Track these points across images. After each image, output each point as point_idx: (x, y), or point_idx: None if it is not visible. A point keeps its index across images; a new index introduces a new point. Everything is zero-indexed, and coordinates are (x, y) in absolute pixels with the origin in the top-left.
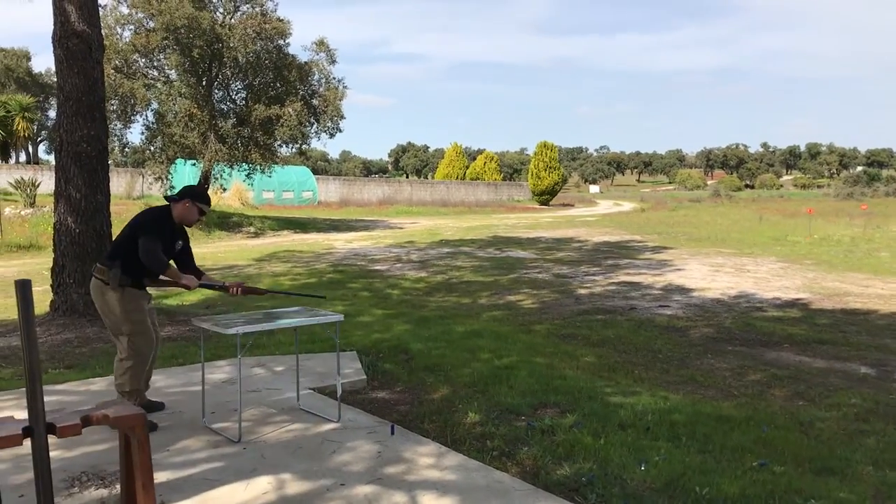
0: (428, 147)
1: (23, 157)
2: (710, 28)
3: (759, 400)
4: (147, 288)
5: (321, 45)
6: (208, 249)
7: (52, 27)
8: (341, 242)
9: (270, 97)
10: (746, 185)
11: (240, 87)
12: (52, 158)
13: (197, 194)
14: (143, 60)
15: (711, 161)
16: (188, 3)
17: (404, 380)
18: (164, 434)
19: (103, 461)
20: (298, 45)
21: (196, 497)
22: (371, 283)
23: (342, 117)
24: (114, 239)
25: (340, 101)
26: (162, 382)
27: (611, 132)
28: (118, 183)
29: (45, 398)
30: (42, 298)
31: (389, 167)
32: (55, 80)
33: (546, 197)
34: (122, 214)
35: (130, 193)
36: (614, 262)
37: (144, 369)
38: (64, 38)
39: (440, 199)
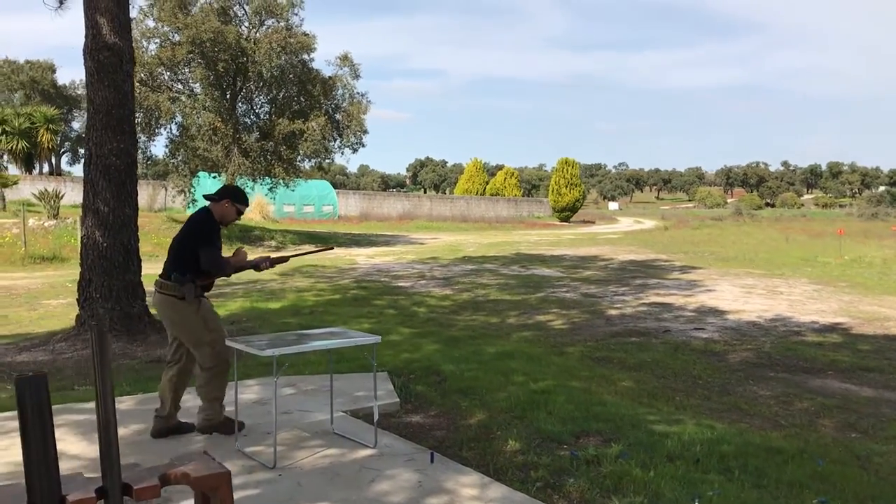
0: (446, 162)
1: (46, 168)
2: (729, 45)
3: (808, 430)
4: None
5: (345, 59)
6: None
7: (81, 40)
8: (363, 258)
9: (294, 111)
10: (767, 204)
11: (263, 101)
12: (74, 170)
13: (237, 195)
14: (168, 74)
15: (731, 179)
16: (214, 17)
17: (438, 403)
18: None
19: None
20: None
21: None
22: (396, 300)
23: (365, 132)
24: (172, 252)
25: (364, 115)
26: (190, 403)
27: (629, 149)
28: (140, 195)
29: (74, 416)
30: (65, 312)
31: (407, 181)
32: (81, 92)
33: (567, 214)
34: (144, 227)
35: (152, 206)
36: (642, 282)
37: (227, 375)
38: (95, 50)
39: (460, 214)
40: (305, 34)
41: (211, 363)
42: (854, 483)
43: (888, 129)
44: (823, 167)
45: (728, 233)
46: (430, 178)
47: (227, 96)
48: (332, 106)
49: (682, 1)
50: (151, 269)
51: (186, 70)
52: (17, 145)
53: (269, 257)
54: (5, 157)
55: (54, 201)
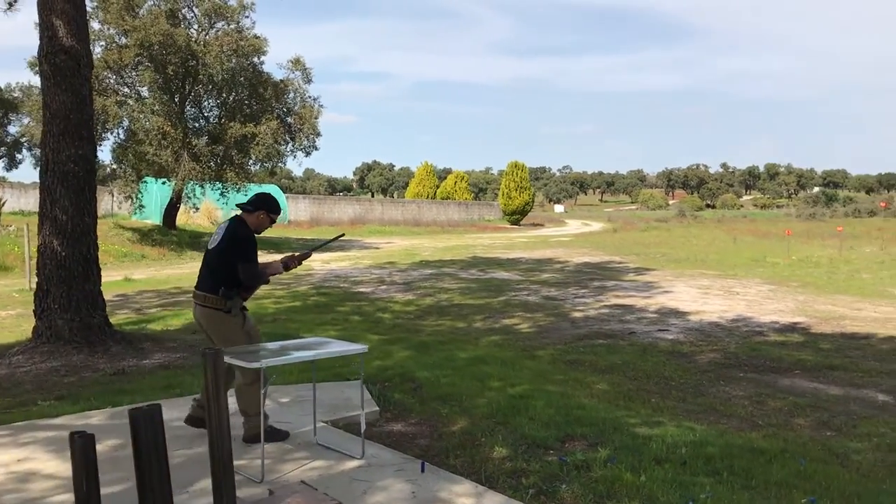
0: (394, 165)
1: None
2: (671, 50)
3: (785, 430)
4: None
5: (297, 63)
6: (182, 271)
7: (18, 41)
8: (318, 263)
9: (245, 115)
10: (707, 205)
11: (213, 104)
12: (10, 175)
13: (271, 205)
14: (115, 77)
15: (673, 181)
16: (163, 20)
17: (417, 410)
18: (180, 472)
19: None
20: (273, 63)
21: None
22: (359, 306)
23: (318, 135)
24: (212, 264)
25: (316, 119)
26: (166, 415)
27: (574, 152)
28: None
29: (42, 433)
30: (16, 323)
31: (354, 185)
32: (17, 95)
33: (517, 217)
34: None
35: None
36: (600, 284)
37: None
38: (51, 53)
39: (412, 218)
40: (257, 37)
41: (253, 377)
42: (838, 481)
43: (822, 132)
44: (761, 169)
45: (676, 234)
46: (377, 181)
47: (177, 100)
48: (284, 109)
49: (623, 6)
50: (106, 277)
51: (134, 73)
52: None
53: (294, 255)
54: None
55: None
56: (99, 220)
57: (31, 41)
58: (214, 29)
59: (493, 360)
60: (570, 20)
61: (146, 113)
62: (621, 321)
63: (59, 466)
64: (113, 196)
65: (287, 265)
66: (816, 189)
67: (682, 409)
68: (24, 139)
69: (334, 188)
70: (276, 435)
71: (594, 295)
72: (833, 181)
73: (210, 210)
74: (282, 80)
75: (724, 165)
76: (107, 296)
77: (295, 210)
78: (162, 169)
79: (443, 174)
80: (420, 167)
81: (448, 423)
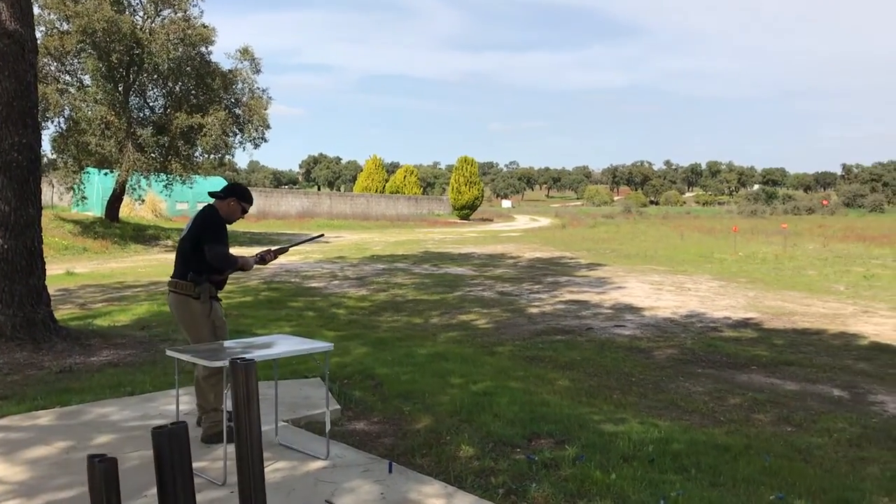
0: (340, 159)
1: None
2: (615, 48)
3: (747, 426)
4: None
5: (245, 53)
6: (126, 265)
7: None
8: None
9: (192, 105)
10: (652, 202)
11: (159, 94)
12: None
13: (243, 193)
14: (56, 64)
15: (617, 178)
16: (107, 6)
17: (379, 409)
18: (135, 476)
19: None
20: (220, 53)
21: None
22: (312, 301)
23: (268, 127)
24: (183, 251)
25: (265, 110)
26: (116, 416)
27: (520, 148)
28: None
29: None
30: None
31: (300, 178)
32: None
33: (466, 212)
34: None
35: None
36: (554, 280)
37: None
38: None
39: (361, 212)
40: (205, 26)
41: (213, 371)
42: (802, 477)
43: (762, 130)
44: (703, 166)
45: (624, 230)
46: (324, 174)
47: (121, 89)
48: (232, 100)
49: (569, 4)
50: (47, 271)
51: (76, 61)
52: None
53: (271, 249)
54: None
55: None
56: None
57: None
58: (161, 17)
59: (452, 356)
60: (518, 16)
61: (89, 102)
62: (577, 317)
63: (7, 470)
64: (53, 187)
65: (263, 258)
66: (756, 187)
67: (644, 406)
68: None
69: (280, 181)
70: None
71: (548, 290)
72: (772, 179)
73: (154, 202)
74: (230, 71)
75: (667, 163)
76: (49, 290)
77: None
78: (105, 159)
79: (391, 168)
80: (369, 161)
81: (412, 422)
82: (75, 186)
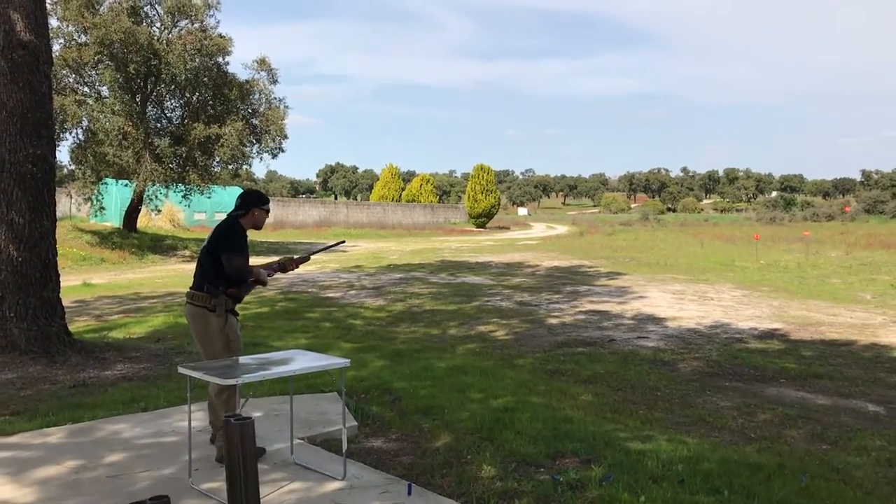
0: (357, 168)
1: None
2: (630, 55)
3: (779, 443)
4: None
5: (262, 63)
6: (144, 275)
7: None
8: None
9: (209, 116)
10: (669, 209)
11: (176, 104)
12: None
13: (258, 199)
14: (74, 76)
15: (634, 185)
16: (124, 17)
17: (397, 425)
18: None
19: None
20: (237, 64)
21: None
22: (329, 312)
23: (285, 137)
24: (202, 263)
25: (282, 121)
26: (129, 432)
27: (536, 155)
28: None
29: None
30: None
31: (317, 188)
32: None
33: (483, 220)
34: None
35: None
36: (573, 289)
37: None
38: (8, 48)
39: (377, 221)
40: (221, 36)
41: (226, 388)
42: (841, 499)
43: (780, 137)
44: (721, 173)
45: (643, 238)
46: (340, 183)
47: (138, 99)
48: (249, 111)
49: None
50: (64, 282)
51: (94, 72)
52: None
53: (293, 258)
54: None
55: None
56: (57, 223)
57: None
58: (178, 27)
59: (472, 369)
60: (531, 24)
61: (106, 113)
62: (599, 328)
63: (15, 492)
64: (71, 198)
65: (284, 267)
66: (775, 193)
67: (671, 422)
68: None
69: (297, 190)
70: None
71: (568, 300)
72: (790, 185)
73: (172, 212)
74: (247, 81)
75: (684, 169)
76: (65, 301)
77: None
78: (122, 170)
79: (407, 177)
80: (385, 169)
81: (431, 439)
82: (93, 197)
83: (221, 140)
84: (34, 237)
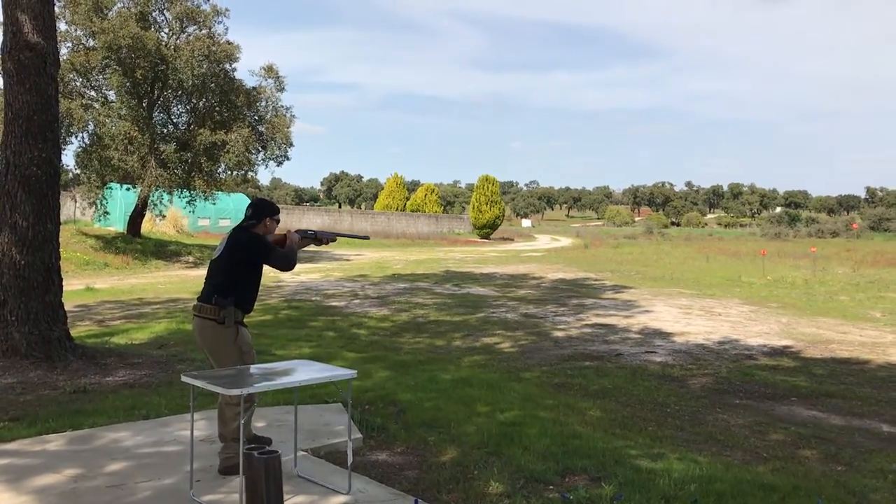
0: (362, 177)
1: None
2: (636, 69)
3: (793, 463)
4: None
5: (270, 70)
6: (147, 280)
7: None
8: (289, 275)
9: (216, 122)
10: (673, 223)
11: (182, 110)
12: None
13: (270, 209)
14: (81, 80)
15: (638, 198)
16: (133, 23)
17: (402, 438)
18: None
19: None
20: (244, 70)
21: None
22: (333, 321)
23: (291, 145)
24: (214, 274)
25: (289, 128)
26: (130, 441)
27: (540, 167)
28: None
29: None
30: None
31: (321, 196)
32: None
33: (487, 231)
34: None
35: None
36: (579, 302)
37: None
38: (15, 50)
39: (381, 230)
40: (229, 43)
41: (238, 401)
42: None
43: (784, 153)
44: (725, 188)
45: (648, 251)
46: (345, 192)
47: (145, 105)
48: (256, 118)
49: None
50: (67, 286)
51: (101, 77)
52: None
53: (325, 231)
54: None
55: None
56: (60, 227)
57: None
58: (186, 33)
59: (478, 382)
60: (539, 36)
61: (113, 117)
62: (605, 341)
63: (12, 500)
64: (76, 201)
65: (320, 240)
66: (779, 209)
67: (682, 439)
68: None
69: (301, 198)
70: None
71: (574, 313)
72: (794, 201)
73: (176, 218)
74: (254, 88)
75: (688, 184)
76: (67, 306)
77: None
78: (127, 175)
79: (411, 186)
80: (390, 179)
81: (437, 453)
82: (98, 201)
83: (227, 146)
84: (37, 241)
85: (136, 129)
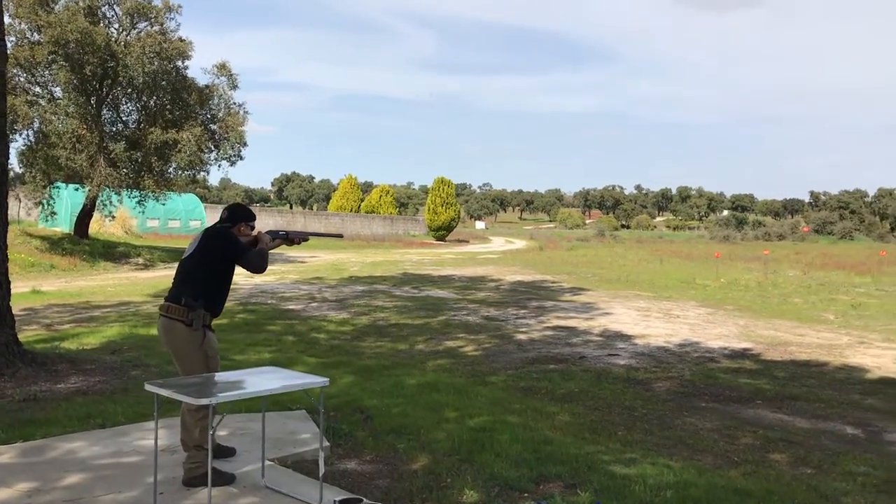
0: (313, 177)
1: None
2: (585, 73)
3: (763, 467)
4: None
5: (222, 68)
6: (96, 283)
7: None
8: (242, 277)
9: (167, 120)
10: (623, 226)
11: (132, 108)
12: None
13: (248, 216)
14: (26, 75)
15: (589, 201)
16: (81, 17)
17: (371, 446)
18: None
19: None
20: (197, 68)
21: None
22: (291, 325)
23: (245, 144)
24: (185, 274)
25: (242, 128)
26: (86, 452)
27: (493, 170)
28: None
29: None
30: None
31: (272, 196)
32: None
33: (442, 233)
34: None
35: None
36: (539, 304)
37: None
38: None
39: (336, 232)
40: (182, 40)
41: (202, 409)
42: None
43: (731, 157)
44: (674, 191)
45: (602, 254)
46: (296, 193)
47: (93, 102)
48: (209, 116)
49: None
50: (12, 289)
51: (47, 72)
52: None
53: (297, 231)
54: None
55: None
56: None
57: None
58: (136, 29)
59: (444, 387)
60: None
61: (60, 115)
62: (568, 344)
63: None
64: (20, 201)
65: (292, 240)
66: (726, 212)
67: (652, 444)
68: None
69: (252, 199)
70: (221, 477)
71: (535, 316)
72: (741, 205)
73: (125, 219)
74: (206, 86)
75: (638, 187)
76: (13, 309)
77: (214, 220)
78: (75, 174)
79: (365, 188)
80: (344, 180)
81: (407, 461)
82: (44, 201)
83: (179, 145)
84: None
85: (85, 126)
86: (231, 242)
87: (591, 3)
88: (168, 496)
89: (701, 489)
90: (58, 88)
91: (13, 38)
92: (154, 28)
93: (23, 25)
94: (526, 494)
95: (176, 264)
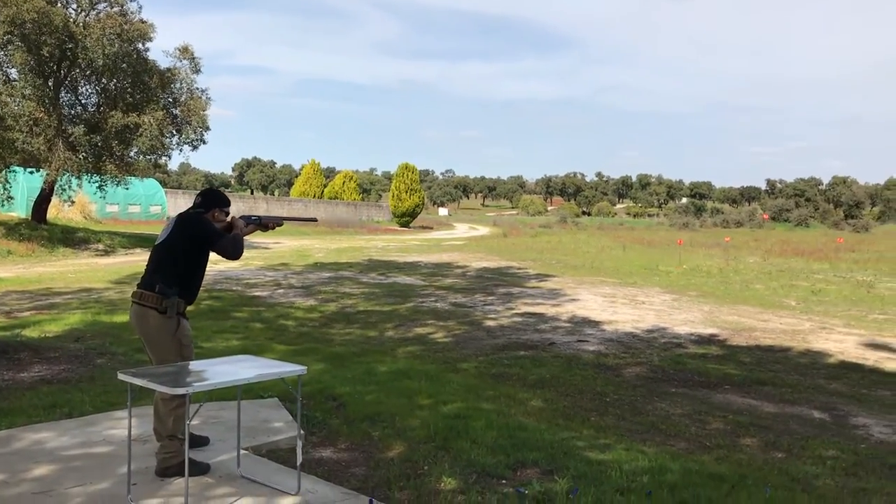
0: (275, 163)
1: None
2: (548, 60)
3: (735, 452)
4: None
5: (185, 51)
6: (55, 269)
7: None
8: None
9: (128, 104)
10: (584, 212)
11: (91, 90)
12: None
13: (222, 202)
14: None
15: (551, 188)
16: None
17: (345, 433)
18: None
19: None
20: (159, 51)
21: None
22: (258, 311)
23: (207, 129)
24: (159, 259)
25: (204, 111)
26: (54, 442)
27: (456, 156)
28: None
29: None
30: None
31: (233, 182)
32: None
33: (407, 219)
34: None
35: None
36: (506, 291)
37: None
38: None
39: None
40: (143, 21)
41: (174, 395)
42: None
43: (689, 145)
44: (634, 178)
45: (565, 240)
46: (257, 178)
47: (51, 84)
48: (170, 100)
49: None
50: None
51: (2, 53)
52: None
53: (271, 216)
54: None
55: None
56: None
57: None
58: (96, 10)
59: (415, 374)
60: (453, 25)
61: (16, 97)
62: (537, 330)
63: None
64: None
65: (266, 226)
66: (685, 200)
67: (625, 429)
68: None
69: (212, 184)
70: (196, 467)
71: (503, 302)
72: (699, 192)
73: (83, 204)
74: (168, 69)
75: (598, 174)
76: None
77: (175, 206)
78: (32, 158)
79: (327, 173)
80: (307, 165)
81: (383, 449)
82: (1, 186)
83: (140, 129)
84: None
85: (42, 109)
86: (204, 228)
87: None
88: (141, 487)
89: (676, 474)
90: (13, 70)
91: None
92: (114, 9)
93: None
94: (504, 481)
95: (136, 250)
